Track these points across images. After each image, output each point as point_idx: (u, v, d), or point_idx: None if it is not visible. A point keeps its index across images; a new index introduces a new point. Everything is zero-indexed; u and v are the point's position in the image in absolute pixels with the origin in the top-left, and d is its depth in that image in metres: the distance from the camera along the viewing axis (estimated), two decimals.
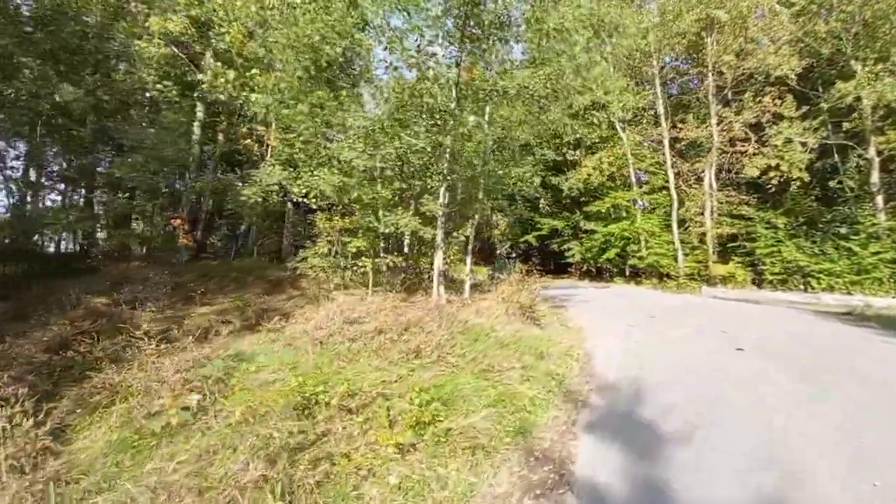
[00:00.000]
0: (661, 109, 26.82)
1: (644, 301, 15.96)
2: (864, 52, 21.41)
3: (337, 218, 8.67)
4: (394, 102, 8.79)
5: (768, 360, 7.31)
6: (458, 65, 8.61)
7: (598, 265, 30.08)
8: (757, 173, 23.65)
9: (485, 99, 9.84)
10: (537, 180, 29.88)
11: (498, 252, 12.87)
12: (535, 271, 13.83)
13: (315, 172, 7.51)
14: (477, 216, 10.83)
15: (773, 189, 24.03)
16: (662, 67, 27.10)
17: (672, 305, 14.65)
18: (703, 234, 25.32)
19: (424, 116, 8.55)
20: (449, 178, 8.93)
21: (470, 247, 10.80)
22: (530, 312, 9.16)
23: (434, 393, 5.35)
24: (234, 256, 20.05)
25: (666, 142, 26.54)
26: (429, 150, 8.76)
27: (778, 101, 23.49)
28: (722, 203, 25.58)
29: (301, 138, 7.56)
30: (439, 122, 8.75)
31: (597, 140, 29.21)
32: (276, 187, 11.64)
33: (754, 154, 24.00)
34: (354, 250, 8.90)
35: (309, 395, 5.05)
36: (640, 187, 29.25)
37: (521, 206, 33.72)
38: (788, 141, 23.22)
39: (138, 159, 13.44)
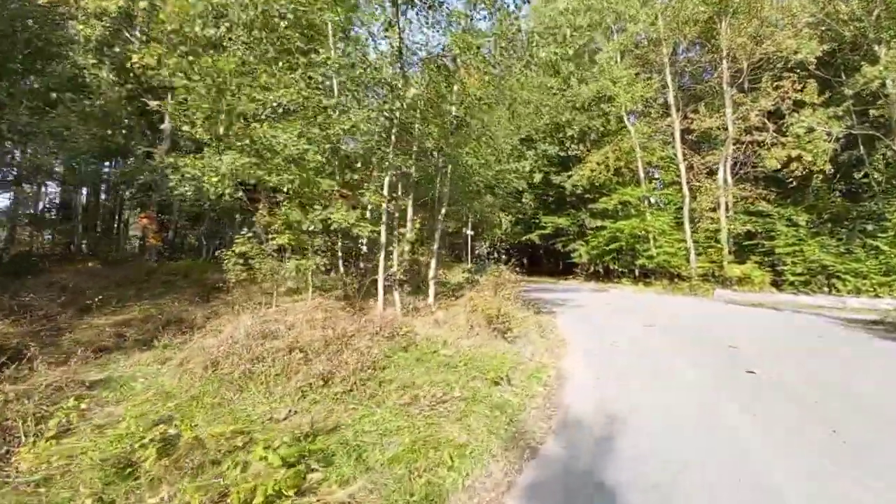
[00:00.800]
0: (671, 99, 24.99)
1: (647, 307, 14.29)
2: (888, 35, 19.42)
3: (262, 212, 7.28)
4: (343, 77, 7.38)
5: (801, 409, 5.62)
6: (391, 26, 7.12)
7: (606, 265, 28.35)
8: (776, 165, 21.70)
9: (440, 72, 8.38)
10: (538, 176, 28.49)
11: (477, 252, 11.37)
12: (516, 272, 12.25)
13: (221, 157, 6.13)
14: (443, 211, 9.37)
15: (794, 183, 22.06)
16: (673, 53, 25.23)
17: (676, 313, 12.96)
18: (717, 231, 23.44)
19: (369, 94, 7.13)
20: (394, 165, 7.48)
21: (436, 246, 9.34)
22: (498, 323, 7.65)
23: (320, 442, 3.91)
24: (208, 257, 18.85)
25: (677, 134, 24.72)
26: (377, 130, 7.34)
27: (798, 87, 21.54)
28: (738, 198, 23.68)
29: (202, 114, 6.22)
30: (385, 98, 7.36)
31: (603, 133, 27.50)
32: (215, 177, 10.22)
33: (773, 144, 22.05)
34: (287, 250, 7.51)
35: (138, 444, 3.65)
36: (650, 183, 27.45)
37: (524, 203, 32.14)
38: (810, 130, 21.24)
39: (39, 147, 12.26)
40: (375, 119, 6.86)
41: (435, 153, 9.44)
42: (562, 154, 28.06)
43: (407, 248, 7.47)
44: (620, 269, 27.58)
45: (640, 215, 26.06)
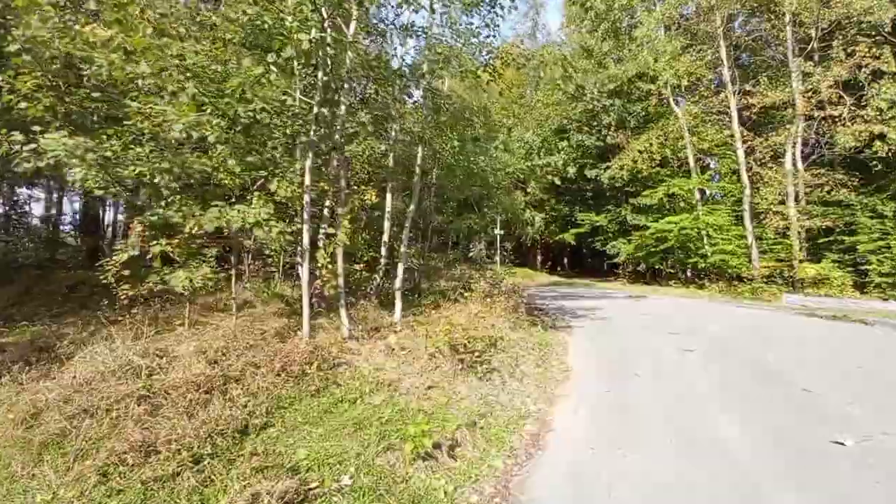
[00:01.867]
0: (726, 74, 21.76)
1: (693, 318, 11.66)
2: None
3: (138, 221, 5.59)
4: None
5: None
6: None
7: (652, 266, 25.33)
8: (854, 143, 18.15)
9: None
10: (572, 170, 25.88)
11: (471, 253, 9.37)
12: (546, 271, 10.11)
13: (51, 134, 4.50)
14: (412, 207, 7.37)
15: (879, 166, 18.40)
16: (727, 20, 21.96)
17: (729, 328, 10.36)
18: (786, 226, 20.07)
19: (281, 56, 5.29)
20: (313, 143, 5.55)
21: (404, 249, 7.39)
22: (466, 353, 5.59)
23: None
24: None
25: (734, 114, 21.49)
26: (294, 104, 5.48)
27: (876, 54, 17.99)
28: (810, 187, 20.20)
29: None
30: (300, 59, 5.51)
31: (645, 119, 24.53)
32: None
33: (851, 119, 18.48)
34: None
35: None
36: (702, 172, 24.22)
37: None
38: (895, 104, 17.59)
39: None
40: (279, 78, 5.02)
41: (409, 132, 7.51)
42: (599, 144, 25.44)
43: (339, 252, 5.58)
44: (668, 271, 24.51)
45: (691, 210, 22.95)
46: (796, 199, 20.20)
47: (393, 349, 6.02)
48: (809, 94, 19.69)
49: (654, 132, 22.88)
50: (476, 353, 5.65)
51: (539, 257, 32.94)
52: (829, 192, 19.69)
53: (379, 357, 5.96)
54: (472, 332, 6.53)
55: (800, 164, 20.68)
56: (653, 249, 23.28)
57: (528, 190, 29.71)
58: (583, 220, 27.10)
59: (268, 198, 5.34)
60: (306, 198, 5.55)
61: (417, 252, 10.62)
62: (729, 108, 21.73)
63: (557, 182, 27.61)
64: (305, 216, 5.57)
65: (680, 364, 6.76)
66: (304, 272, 5.62)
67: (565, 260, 35.65)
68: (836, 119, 18.93)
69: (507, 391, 5.51)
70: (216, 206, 5.13)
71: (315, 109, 5.56)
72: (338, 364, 5.51)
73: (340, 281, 6.43)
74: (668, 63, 21.28)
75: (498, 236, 27.72)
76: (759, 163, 21.29)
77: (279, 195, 5.39)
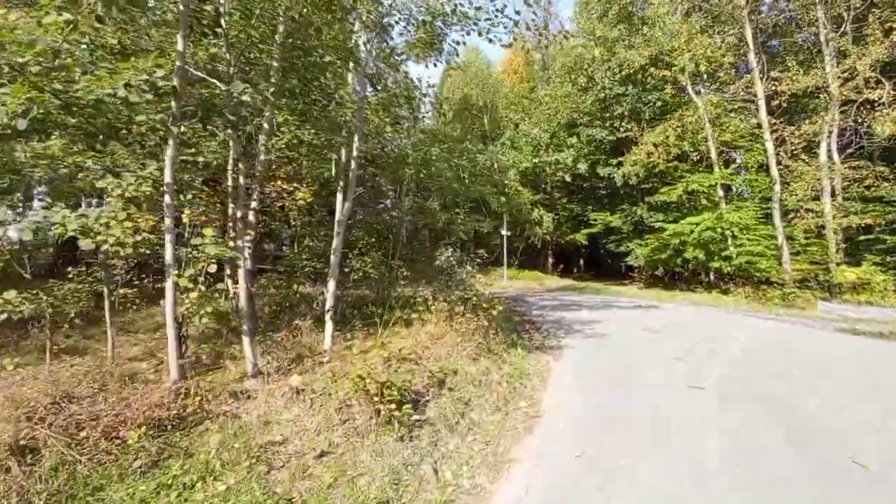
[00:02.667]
0: (752, 58, 19.72)
1: (710, 335, 9.95)
2: None
3: None
4: None
5: None
6: None
7: (671, 270, 23.32)
8: (894, 131, 16.07)
9: None
10: (583, 166, 24.13)
11: (437, 262, 7.94)
12: (557, 274, 8.68)
13: None
14: (346, 204, 5.93)
15: None
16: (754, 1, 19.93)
17: (753, 351, 8.68)
18: (821, 225, 18.00)
19: None
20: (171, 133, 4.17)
21: (333, 260, 5.96)
22: (383, 402, 4.14)
23: None
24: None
25: (761, 101, 19.44)
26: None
27: None
28: (848, 181, 18.08)
29: None
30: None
31: (662, 110, 22.60)
32: None
33: (891, 104, 16.35)
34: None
35: None
36: (725, 167, 22.18)
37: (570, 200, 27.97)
38: None
39: None
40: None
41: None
42: (611, 138, 23.65)
43: (211, 268, 4.25)
44: (688, 274, 22.52)
45: (713, 207, 20.94)
46: (832, 195, 18.10)
47: (299, 392, 4.62)
48: (846, 75, 17.58)
49: (670, 123, 20.93)
50: (398, 403, 4.18)
51: (550, 259, 31.13)
52: (868, 188, 17.57)
53: (279, 403, 4.57)
54: (412, 366, 5.11)
55: (835, 156, 18.56)
56: (669, 250, 21.32)
57: (538, 188, 28.12)
58: (595, 220, 25.26)
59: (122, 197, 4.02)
60: (167, 199, 4.21)
61: (377, 260, 9.21)
62: (755, 95, 19.70)
63: (568, 179, 25.98)
64: (167, 222, 4.23)
65: (686, 410, 5.16)
66: (167, 295, 4.28)
67: (581, 261, 33.70)
68: (875, 105, 16.80)
69: (438, 455, 4.06)
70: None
71: (175, 81, 4.21)
72: (209, 418, 4.14)
73: (243, 303, 5.08)
74: (685, 46, 19.37)
75: (504, 237, 26.18)
76: (790, 155, 19.20)
77: (126, 193, 4.07)
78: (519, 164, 25.99)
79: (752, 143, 21.37)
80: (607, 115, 23.59)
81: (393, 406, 4.12)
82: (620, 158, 22.36)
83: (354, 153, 5.95)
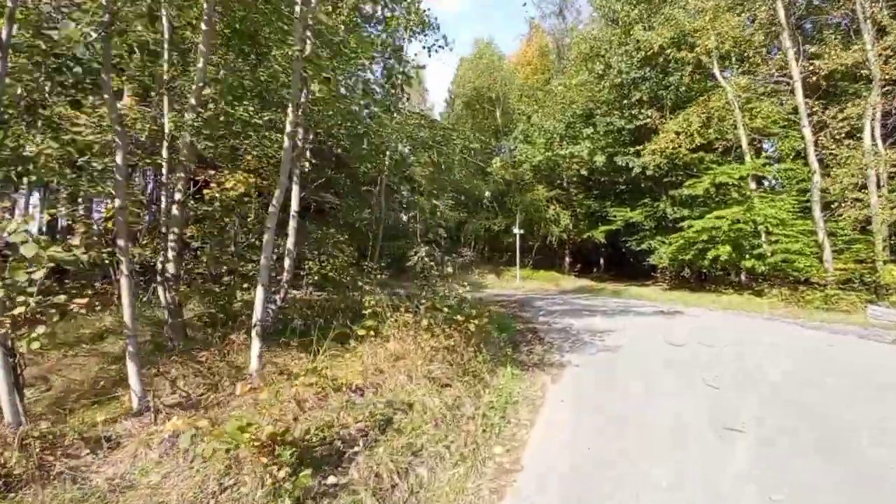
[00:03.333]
0: (785, 37, 17.85)
1: (742, 350, 8.43)
2: None
3: None
4: None
5: None
6: None
7: (698, 269, 21.49)
8: None
9: None
10: (600, 158, 22.51)
11: (410, 261, 6.72)
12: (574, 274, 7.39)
13: None
14: (277, 193, 4.65)
15: None
16: None
17: (796, 374, 7.17)
18: (866, 218, 16.07)
19: None
20: None
21: (263, 262, 4.71)
22: (277, 465, 2.89)
23: None
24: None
25: (797, 83, 17.55)
26: None
27: None
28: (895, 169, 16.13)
29: None
30: None
31: (687, 96, 20.83)
32: None
33: None
34: None
35: None
36: (757, 156, 20.30)
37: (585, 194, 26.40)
38: None
39: None
40: None
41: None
42: (630, 127, 21.99)
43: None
44: (717, 273, 20.69)
45: (744, 201, 19.09)
46: (878, 185, 16.16)
47: (179, 435, 3.40)
48: (888, 52, 15.65)
49: (694, 109, 19.17)
50: (296, 464, 2.93)
51: (567, 259, 29.51)
52: None
53: (152, 455, 3.38)
54: (356, 398, 3.85)
55: (880, 143, 16.60)
56: (696, 248, 19.52)
57: (553, 183, 26.64)
58: (615, 216, 23.60)
59: None
60: None
61: (345, 262, 7.97)
62: (790, 77, 17.82)
63: (584, 173, 24.40)
64: None
65: (720, 468, 3.76)
66: None
67: (600, 261, 31.86)
68: None
69: None
70: None
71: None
72: (45, 479, 2.96)
73: (127, 318, 3.92)
74: (709, 25, 17.64)
75: (517, 236, 24.77)
76: (830, 140, 17.27)
77: None
78: (532, 159, 24.54)
79: (787, 130, 19.47)
80: (625, 102, 21.95)
81: (283, 473, 2.86)
82: (639, 147, 20.71)
83: (288, 128, 4.73)
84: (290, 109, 4.71)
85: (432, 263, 6.99)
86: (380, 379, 4.80)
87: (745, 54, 18.89)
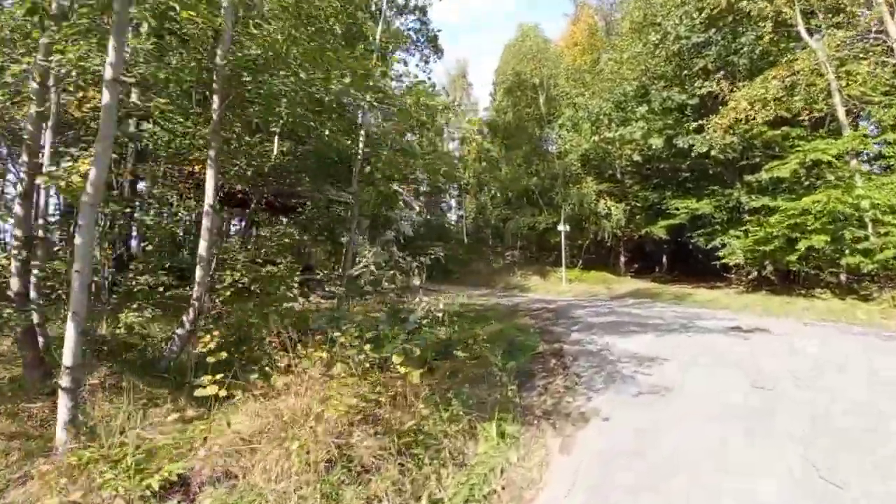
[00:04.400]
0: None
1: (857, 396, 5.81)
2: None
3: None
4: None
5: None
6: None
7: (785, 268, 17.78)
8: None
9: None
10: (657, 141, 19.51)
11: (356, 269, 4.91)
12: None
13: None
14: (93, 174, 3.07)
15: None
16: None
17: None
18: None
19: None
20: None
21: (78, 276, 3.10)
22: None
23: None
24: None
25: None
26: None
27: None
28: None
29: None
30: None
31: (761, 59, 17.46)
32: None
33: None
34: None
35: None
36: (856, 130, 16.60)
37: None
38: None
39: None
40: None
41: None
42: (692, 103, 18.91)
43: None
44: (811, 273, 17.03)
45: (843, 184, 15.52)
46: None
47: None
48: None
49: (775, 71, 15.83)
50: None
51: (622, 257, 26.40)
52: None
53: None
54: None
55: None
56: (781, 243, 16.12)
57: (604, 175, 23.94)
58: (677, 209, 20.43)
59: None
60: None
61: (289, 269, 6.22)
62: (887, 33, 14.22)
63: (638, 159, 21.46)
64: None
65: None
66: None
67: (663, 259, 28.21)
68: None
69: None
70: None
71: None
72: None
73: None
74: None
75: (563, 233, 22.23)
76: None
77: None
78: (578, 147, 22.01)
79: (891, 98, 15.77)
80: (685, 74, 18.90)
81: None
82: (702, 121, 17.60)
83: (108, 73, 3.06)
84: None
85: (392, 272, 5.11)
86: (249, 461, 2.98)
87: (840, 3, 15.44)
